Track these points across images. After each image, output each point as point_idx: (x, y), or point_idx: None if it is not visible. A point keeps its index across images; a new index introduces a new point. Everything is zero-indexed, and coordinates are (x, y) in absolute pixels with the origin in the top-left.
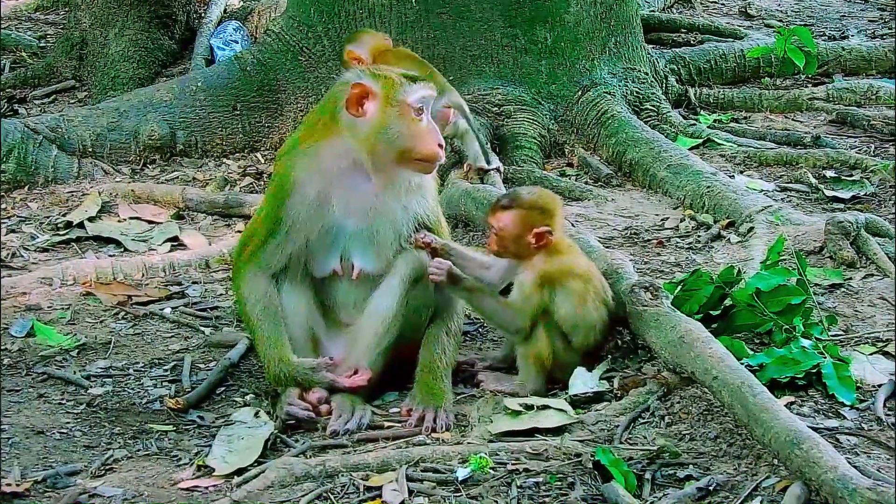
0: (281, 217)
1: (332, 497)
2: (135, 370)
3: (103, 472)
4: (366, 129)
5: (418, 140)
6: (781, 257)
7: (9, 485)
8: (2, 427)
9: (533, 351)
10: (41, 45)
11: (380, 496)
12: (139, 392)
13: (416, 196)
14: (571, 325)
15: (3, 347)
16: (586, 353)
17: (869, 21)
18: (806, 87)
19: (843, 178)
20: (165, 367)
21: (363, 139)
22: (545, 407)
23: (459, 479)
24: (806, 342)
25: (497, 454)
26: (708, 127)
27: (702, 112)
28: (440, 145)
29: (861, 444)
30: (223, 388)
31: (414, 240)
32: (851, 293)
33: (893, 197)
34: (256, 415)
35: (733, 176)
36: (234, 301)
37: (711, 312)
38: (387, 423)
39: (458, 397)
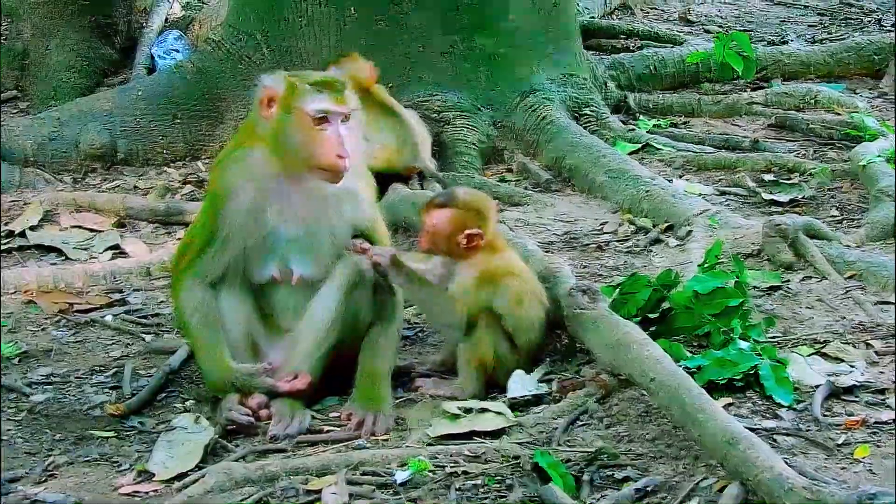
0: (217, 226)
1: (272, 501)
2: (76, 377)
3: (45, 478)
4: (268, 133)
5: (315, 149)
6: (720, 260)
7: None
8: (1, 425)
9: (476, 354)
10: None
11: (320, 499)
12: (80, 399)
13: (351, 202)
14: (514, 324)
15: None
16: (529, 353)
17: (808, 26)
18: (745, 91)
19: (781, 181)
20: (107, 374)
21: (268, 143)
22: (484, 410)
23: (399, 482)
24: (744, 344)
25: (436, 457)
26: (647, 132)
27: (641, 117)
28: (340, 156)
29: (798, 444)
30: (164, 395)
31: (351, 246)
32: (789, 295)
33: None
34: (197, 420)
35: (672, 180)
36: (174, 309)
37: (649, 315)
38: (326, 428)
39: (398, 401)
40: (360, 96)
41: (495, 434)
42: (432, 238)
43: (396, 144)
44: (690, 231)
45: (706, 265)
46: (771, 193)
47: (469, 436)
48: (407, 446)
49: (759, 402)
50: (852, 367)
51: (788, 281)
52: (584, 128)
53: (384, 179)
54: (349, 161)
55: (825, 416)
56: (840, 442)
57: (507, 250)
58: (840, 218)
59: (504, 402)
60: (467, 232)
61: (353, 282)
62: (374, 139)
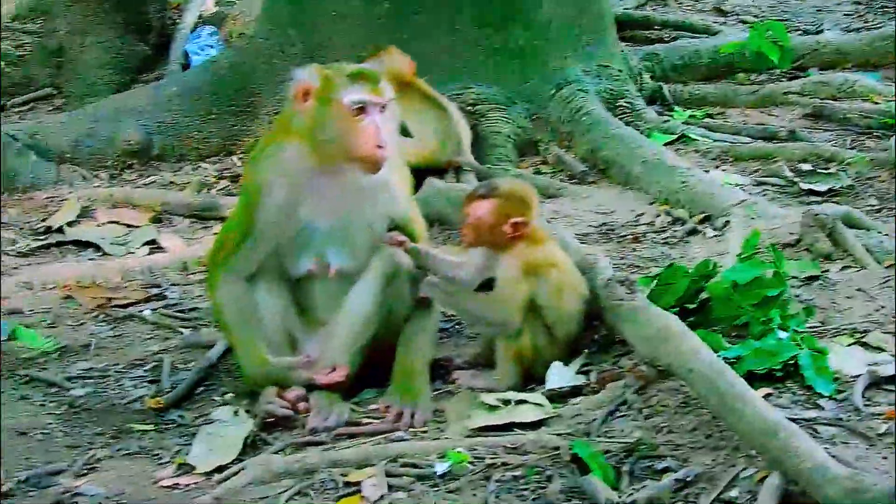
0: (251, 221)
1: (311, 493)
2: (115, 371)
3: (86, 471)
4: (304, 126)
5: (353, 140)
6: (757, 251)
7: None
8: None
9: (514, 346)
10: (18, 54)
11: (359, 491)
12: (120, 393)
13: (386, 194)
14: (555, 317)
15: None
16: (567, 345)
17: (844, 15)
18: (781, 81)
19: (818, 171)
20: (145, 368)
21: (305, 135)
22: (522, 402)
23: (438, 473)
24: (783, 334)
25: (475, 449)
26: (683, 123)
27: (676, 108)
28: (378, 146)
29: (839, 434)
30: (203, 388)
31: (387, 239)
32: (828, 285)
33: None
34: (236, 413)
35: (708, 171)
36: (211, 304)
37: (687, 306)
38: (365, 420)
39: (436, 393)
40: (400, 90)
41: (534, 425)
42: (475, 230)
43: (440, 138)
44: (727, 221)
45: (744, 255)
46: (808, 183)
47: (508, 427)
48: (446, 438)
49: (799, 392)
50: (893, 356)
51: (827, 271)
52: (620, 119)
53: (420, 173)
54: (387, 151)
55: (866, 405)
56: (881, 431)
57: (548, 241)
58: (878, 207)
59: (542, 393)
60: (512, 220)
61: (390, 274)
62: (417, 133)
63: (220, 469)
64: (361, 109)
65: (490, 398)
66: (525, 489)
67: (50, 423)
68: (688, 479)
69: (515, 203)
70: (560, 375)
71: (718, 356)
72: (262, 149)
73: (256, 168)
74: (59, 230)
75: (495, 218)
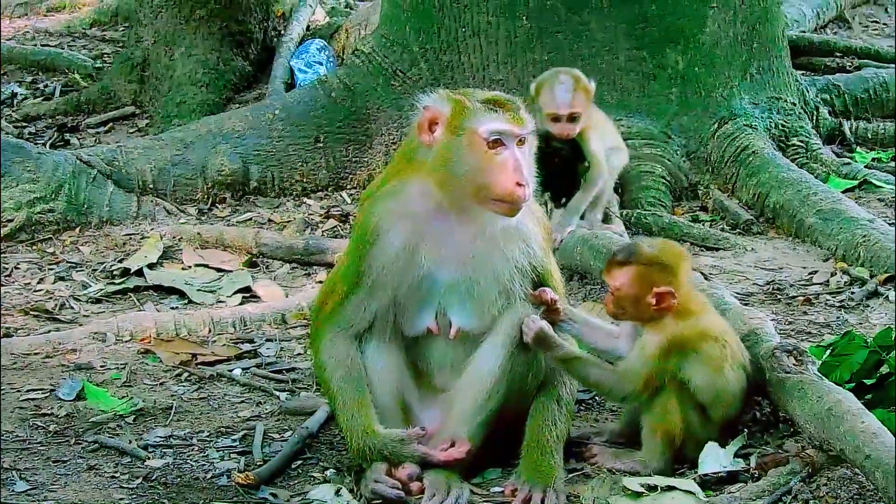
0: (363, 270)
1: None
2: (199, 440)
3: None
4: (432, 159)
5: (489, 176)
6: None
7: None
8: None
9: (662, 424)
10: (97, 65)
11: None
12: (203, 465)
13: (518, 243)
14: (710, 397)
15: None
16: (723, 426)
17: None
18: None
19: None
20: (234, 437)
21: (431, 170)
22: (671, 488)
23: None
24: None
25: None
26: (865, 166)
27: (858, 149)
28: (519, 184)
29: None
30: (300, 462)
31: (535, 295)
32: None
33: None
34: (338, 493)
35: (893, 224)
36: (313, 364)
37: (865, 381)
38: None
39: (570, 475)
40: None
41: None
42: (618, 302)
43: None
44: None
45: None
46: None
47: None
48: None
49: None
50: None
51: None
52: (792, 160)
53: None
54: (528, 190)
55: None
56: None
57: (704, 309)
58: None
59: (694, 478)
60: (655, 291)
61: (520, 336)
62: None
63: None
64: (498, 142)
65: (633, 483)
66: None
67: (121, 499)
68: None
69: (659, 270)
70: (715, 458)
71: None
72: (378, 185)
73: (372, 207)
74: (139, 273)
75: (637, 288)
